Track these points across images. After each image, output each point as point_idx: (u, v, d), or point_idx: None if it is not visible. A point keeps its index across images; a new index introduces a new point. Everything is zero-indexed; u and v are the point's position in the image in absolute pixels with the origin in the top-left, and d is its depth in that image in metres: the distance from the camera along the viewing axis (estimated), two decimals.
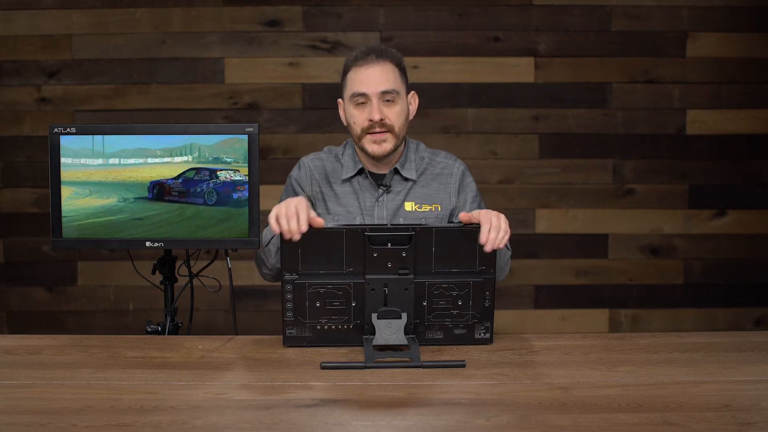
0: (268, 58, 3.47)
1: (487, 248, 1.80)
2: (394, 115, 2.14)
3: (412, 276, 1.85)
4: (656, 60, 3.49)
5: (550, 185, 3.52)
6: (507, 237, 1.83)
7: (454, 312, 1.88)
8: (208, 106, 3.47)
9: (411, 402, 1.54)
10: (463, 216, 1.86)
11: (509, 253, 2.18)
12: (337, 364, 1.75)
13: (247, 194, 2.12)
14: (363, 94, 2.13)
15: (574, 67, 3.49)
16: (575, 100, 3.50)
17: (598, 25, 3.48)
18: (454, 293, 1.87)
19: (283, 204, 1.83)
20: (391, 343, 1.82)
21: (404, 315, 1.84)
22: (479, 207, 2.23)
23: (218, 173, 2.13)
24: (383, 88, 2.12)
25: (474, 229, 1.83)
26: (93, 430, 1.40)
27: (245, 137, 2.12)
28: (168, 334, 2.19)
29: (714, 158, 3.51)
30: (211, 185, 2.13)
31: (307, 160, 2.29)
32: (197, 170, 2.13)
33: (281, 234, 1.81)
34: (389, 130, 2.14)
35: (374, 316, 1.84)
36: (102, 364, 1.79)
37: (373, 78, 2.12)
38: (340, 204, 2.22)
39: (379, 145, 2.15)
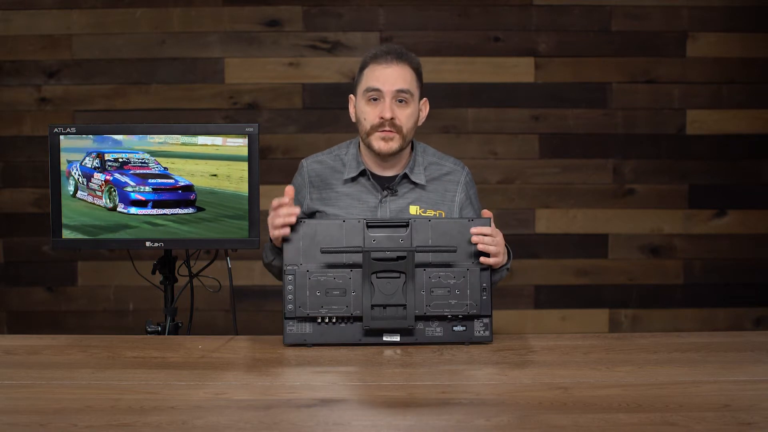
0: (268, 58, 3.47)
1: (474, 238, 1.93)
2: (405, 117, 2.15)
3: (410, 244, 1.92)
4: (656, 60, 3.48)
5: (550, 185, 3.52)
6: (493, 259, 1.94)
7: (453, 302, 1.91)
8: (208, 106, 3.46)
9: (411, 402, 1.54)
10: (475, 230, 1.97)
11: (506, 274, 2.18)
12: (337, 248, 1.90)
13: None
14: (377, 90, 2.14)
15: (574, 67, 3.48)
16: (575, 100, 3.49)
17: (598, 25, 3.48)
18: (452, 281, 1.92)
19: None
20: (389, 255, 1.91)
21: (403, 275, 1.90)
22: (476, 213, 2.26)
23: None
24: (398, 87, 2.14)
25: (470, 219, 1.96)
26: (93, 430, 1.40)
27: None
28: (168, 334, 2.20)
29: (714, 158, 3.51)
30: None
31: (306, 164, 2.29)
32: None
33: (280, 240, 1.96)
34: (398, 131, 2.15)
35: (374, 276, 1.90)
36: (102, 364, 1.79)
37: (390, 76, 2.14)
38: (340, 206, 2.21)
39: (386, 143, 2.15)
